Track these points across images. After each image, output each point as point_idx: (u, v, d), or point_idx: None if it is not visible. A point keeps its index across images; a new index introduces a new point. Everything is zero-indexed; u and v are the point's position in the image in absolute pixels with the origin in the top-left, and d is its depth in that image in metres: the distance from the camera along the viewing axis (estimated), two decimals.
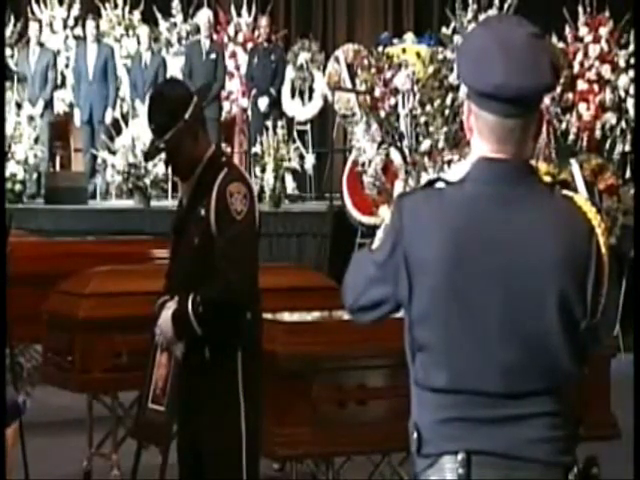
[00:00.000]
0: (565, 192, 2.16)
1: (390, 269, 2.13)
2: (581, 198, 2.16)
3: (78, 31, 13.16)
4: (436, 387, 2.11)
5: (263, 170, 10.38)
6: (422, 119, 10.05)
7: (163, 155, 3.85)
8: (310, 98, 12.51)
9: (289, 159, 10.47)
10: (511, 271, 2.08)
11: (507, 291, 2.07)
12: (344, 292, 2.25)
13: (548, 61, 2.10)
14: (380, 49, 10.70)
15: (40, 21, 12.93)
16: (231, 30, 13.10)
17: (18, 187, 11.27)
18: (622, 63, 10.18)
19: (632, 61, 10.09)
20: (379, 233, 2.20)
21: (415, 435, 2.14)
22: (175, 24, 13.19)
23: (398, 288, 2.13)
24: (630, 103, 10.07)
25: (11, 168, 11.20)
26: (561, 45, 10.36)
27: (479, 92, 2.10)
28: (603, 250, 2.11)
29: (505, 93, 2.07)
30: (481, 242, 2.09)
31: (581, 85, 10.28)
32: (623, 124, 10.14)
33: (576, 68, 10.29)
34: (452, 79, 9.74)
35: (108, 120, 11.91)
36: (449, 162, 9.46)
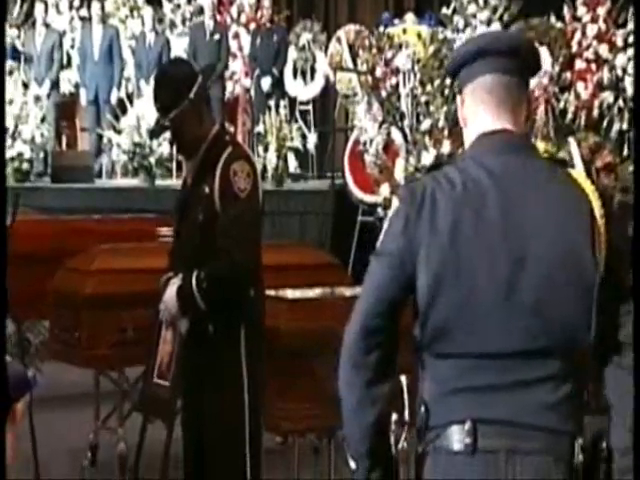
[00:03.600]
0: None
1: (402, 248, 2.11)
2: (577, 173, 2.19)
3: (84, 12, 13.10)
4: (444, 353, 2.11)
5: (266, 149, 10.35)
6: (423, 98, 10.00)
7: (168, 135, 3.84)
8: (312, 78, 12.46)
9: (291, 138, 10.43)
10: (519, 236, 2.09)
11: (515, 254, 2.08)
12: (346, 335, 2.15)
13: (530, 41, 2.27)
14: (381, 30, 10.65)
15: (46, 2, 12.88)
16: (234, 11, 13.04)
17: (25, 166, 11.24)
18: (620, 42, 10.13)
19: (630, 40, 10.05)
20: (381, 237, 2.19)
21: (422, 409, 2.13)
22: (179, 5, 13.13)
23: (409, 262, 2.10)
24: (628, 82, 10.03)
25: (18, 147, 11.16)
26: (559, 25, 10.31)
27: (474, 53, 2.17)
28: (596, 212, 2.12)
29: (497, 46, 2.16)
30: (488, 212, 2.10)
31: (579, 64, 10.23)
32: (620, 103, 10.09)
33: (574, 47, 10.24)
34: None
35: (113, 100, 11.86)
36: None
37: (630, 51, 10.09)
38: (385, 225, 2.19)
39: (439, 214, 2.09)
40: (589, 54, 10.21)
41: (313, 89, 12.48)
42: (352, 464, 2.19)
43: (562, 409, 2.09)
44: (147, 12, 12.41)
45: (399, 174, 9.35)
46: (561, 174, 2.17)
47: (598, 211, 2.12)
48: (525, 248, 2.08)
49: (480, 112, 2.16)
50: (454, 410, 2.09)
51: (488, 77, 2.15)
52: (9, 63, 12.06)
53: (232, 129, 11.78)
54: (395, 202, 2.19)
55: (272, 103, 11.10)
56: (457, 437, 2.08)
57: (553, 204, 2.11)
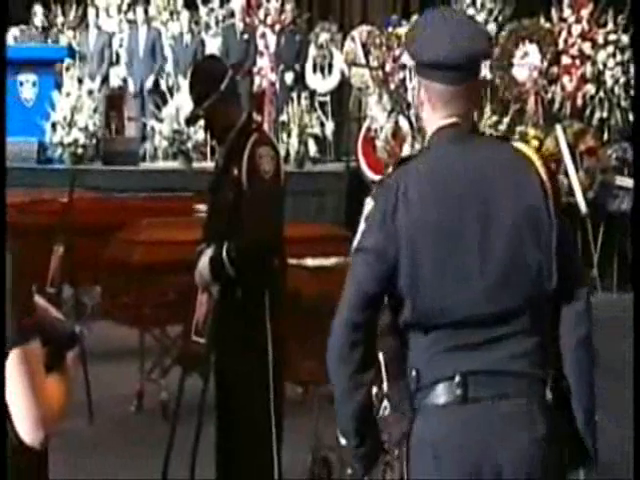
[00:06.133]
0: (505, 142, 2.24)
1: (381, 243, 2.07)
2: (517, 142, 2.23)
3: (131, 16, 13.09)
4: (431, 325, 2.08)
5: (289, 135, 10.34)
6: None
7: (202, 122, 3.83)
8: (330, 73, 12.40)
9: (311, 126, 10.41)
10: (483, 206, 2.08)
11: (483, 223, 2.08)
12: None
13: (485, 33, 2.19)
14: (390, 30, 10.60)
15: (98, 7, 12.89)
16: (261, 14, 12.97)
17: (79, 151, 11.27)
18: (601, 40, 10.05)
19: (610, 38, 9.97)
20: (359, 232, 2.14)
21: (414, 373, 2.11)
22: (213, 9, 13.08)
23: (390, 254, 2.07)
24: (608, 75, 9.96)
25: (74, 134, 11.19)
26: (548, 25, 10.22)
27: (429, 63, 2.13)
28: (543, 174, 2.13)
29: (451, 60, 2.11)
30: (455, 188, 2.10)
31: (565, 60, 10.16)
32: (601, 94, 10.02)
33: (561, 45, 10.16)
34: None
35: (155, 88, 11.86)
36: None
37: (610, 48, 10.01)
38: (362, 224, 2.12)
39: (412, 202, 2.07)
40: (574, 51, 10.13)
41: (330, 83, 12.43)
42: (342, 440, 2.18)
43: (532, 357, 2.10)
44: (185, 15, 12.39)
45: None
46: (508, 148, 2.18)
47: (543, 173, 2.12)
48: (489, 216, 2.08)
49: (434, 110, 2.16)
50: (441, 369, 2.08)
51: (441, 86, 2.13)
52: (67, 61, 12.07)
53: (259, 118, 11.75)
54: (369, 201, 2.13)
55: (294, 95, 11.07)
56: (445, 391, 2.07)
57: (507, 173, 2.12)
